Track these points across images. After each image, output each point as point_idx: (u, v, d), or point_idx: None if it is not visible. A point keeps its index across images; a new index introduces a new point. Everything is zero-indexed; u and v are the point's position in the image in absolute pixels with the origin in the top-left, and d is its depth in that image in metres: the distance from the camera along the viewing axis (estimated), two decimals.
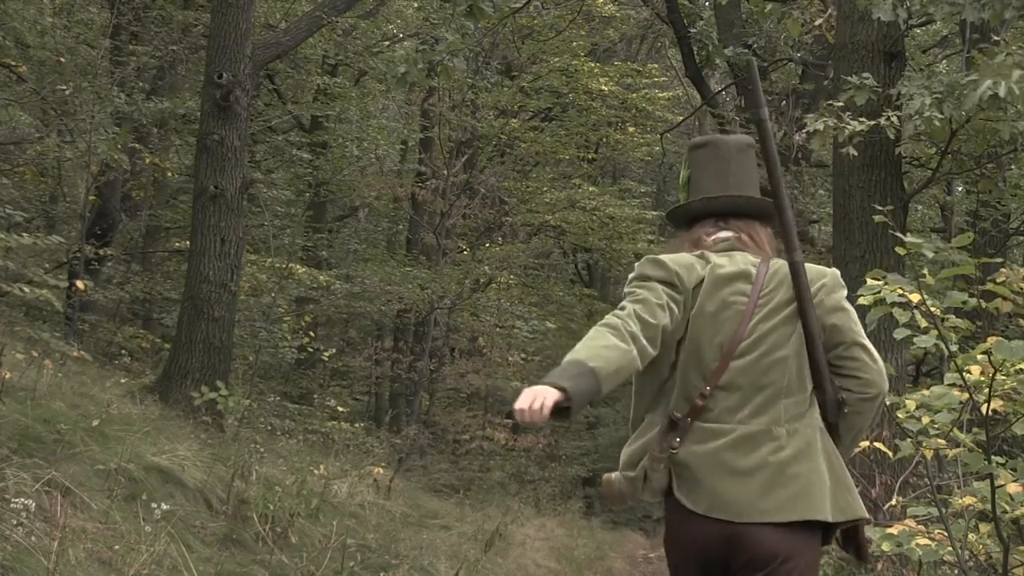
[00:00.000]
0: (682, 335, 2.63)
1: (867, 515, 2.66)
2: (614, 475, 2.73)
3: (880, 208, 3.12)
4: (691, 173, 2.81)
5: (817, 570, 2.61)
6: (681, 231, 2.83)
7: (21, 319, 10.05)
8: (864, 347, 2.62)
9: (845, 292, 2.68)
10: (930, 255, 2.78)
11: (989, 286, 2.97)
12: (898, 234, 2.91)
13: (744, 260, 2.68)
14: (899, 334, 3.10)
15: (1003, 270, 3.03)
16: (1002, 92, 5.53)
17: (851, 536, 2.64)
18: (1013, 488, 3.13)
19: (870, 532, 3.40)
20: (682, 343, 2.63)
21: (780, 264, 2.68)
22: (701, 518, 2.54)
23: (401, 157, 19.17)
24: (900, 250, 2.84)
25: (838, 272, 2.72)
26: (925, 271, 2.79)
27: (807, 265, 2.68)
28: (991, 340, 2.78)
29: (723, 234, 2.74)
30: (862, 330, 2.64)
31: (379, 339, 18.18)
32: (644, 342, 2.50)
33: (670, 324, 2.57)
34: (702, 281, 2.63)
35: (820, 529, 2.56)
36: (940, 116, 6.25)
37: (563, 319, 20.30)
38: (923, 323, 2.97)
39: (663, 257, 2.66)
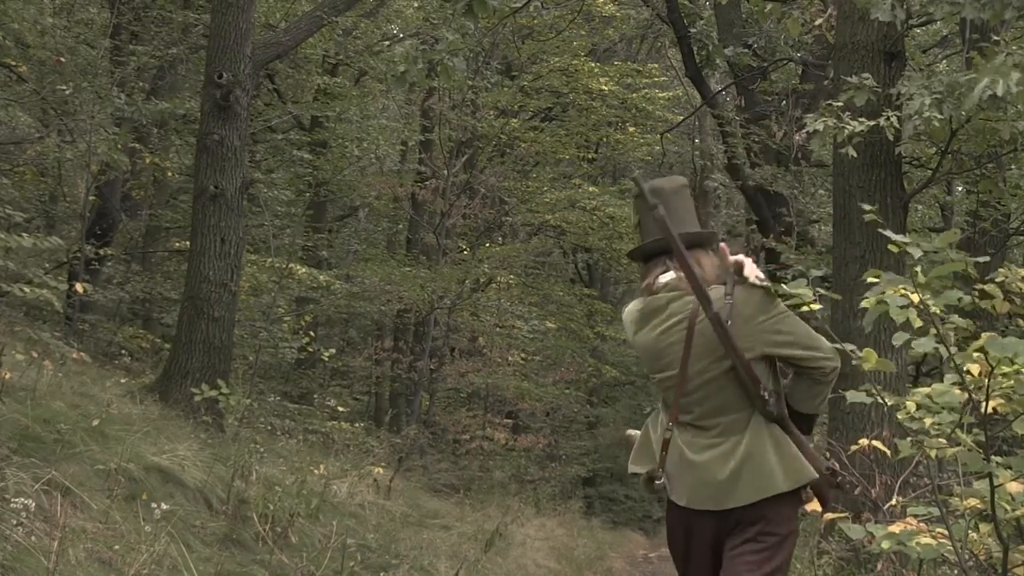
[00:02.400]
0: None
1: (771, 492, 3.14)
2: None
3: (868, 208, 3.12)
4: (639, 218, 3.38)
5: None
6: (641, 268, 3.39)
7: (21, 319, 10.05)
8: (800, 347, 3.10)
9: (768, 314, 3.11)
10: (917, 254, 2.78)
11: (986, 286, 2.96)
12: (887, 232, 2.91)
13: (680, 307, 3.21)
14: (898, 339, 3.11)
15: (1001, 270, 3.02)
16: (1000, 91, 5.52)
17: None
18: (1013, 488, 3.13)
19: (872, 529, 3.43)
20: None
21: (716, 296, 3.12)
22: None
23: (401, 157, 19.18)
24: (893, 248, 2.84)
25: (759, 295, 3.12)
26: (918, 269, 2.79)
27: (741, 295, 3.13)
28: (984, 336, 2.77)
29: (664, 278, 3.27)
30: (793, 330, 3.09)
31: (379, 339, 18.17)
32: None
33: None
34: (647, 328, 3.27)
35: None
36: (940, 116, 6.24)
37: (563, 319, 20.31)
38: (917, 323, 2.97)
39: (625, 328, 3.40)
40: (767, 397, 3.12)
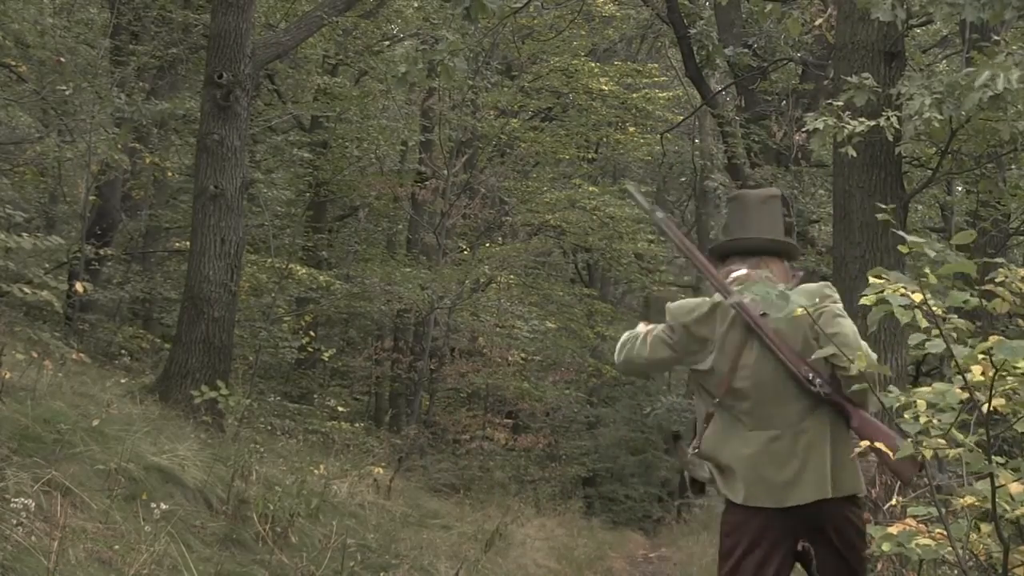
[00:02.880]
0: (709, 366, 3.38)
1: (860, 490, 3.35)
2: None
3: (883, 207, 3.13)
4: (726, 219, 3.65)
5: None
6: (719, 264, 3.56)
7: (21, 319, 10.04)
8: (838, 342, 3.14)
9: (827, 303, 3.24)
10: (932, 255, 2.78)
11: (989, 286, 2.96)
12: (901, 233, 2.91)
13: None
14: (914, 339, 3.11)
15: (1001, 270, 3.02)
16: (1000, 86, 5.51)
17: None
18: (1014, 488, 3.12)
19: (871, 530, 3.42)
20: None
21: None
22: None
23: (401, 157, 19.18)
24: (903, 248, 2.84)
25: (816, 289, 3.30)
26: (927, 270, 2.79)
27: (802, 287, 3.31)
28: (992, 339, 2.77)
29: (737, 273, 3.42)
30: (837, 329, 3.16)
31: (379, 339, 18.17)
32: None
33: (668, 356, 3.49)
34: (713, 321, 3.35)
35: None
36: (939, 117, 6.23)
37: (563, 319, 20.30)
38: (923, 323, 2.97)
39: (672, 307, 3.47)
40: (811, 378, 3.19)
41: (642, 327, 3.63)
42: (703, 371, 3.42)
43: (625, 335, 3.65)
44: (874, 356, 3.17)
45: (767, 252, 3.46)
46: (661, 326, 3.57)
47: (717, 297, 3.37)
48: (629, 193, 3.60)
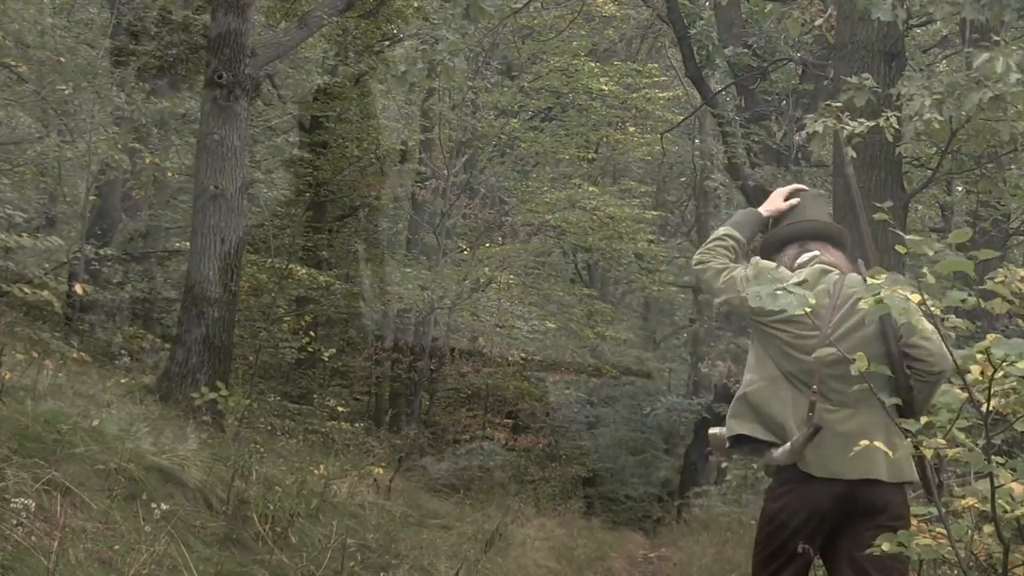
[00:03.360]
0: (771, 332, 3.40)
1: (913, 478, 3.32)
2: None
3: (879, 205, 3.14)
4: (781, 214, 3.70)
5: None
6: (773, 256, 3.61)
7: (21, 319, 10.05)
8: (924, 336, 3.19)
9: None
10: (931, 254, 2.78)
11: (989, 285, 2.97)
12: (899, 232, 2.92)
13: (824, 276, 3.41)
14: None
15: (1000, 270, 3.02)
16: (999, 69, 5.49)
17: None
18: (1016, 488, 3.13)
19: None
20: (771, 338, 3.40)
21: (853, 277, 3.34)
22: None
23: (401, 157, 19.19)
24: (901, 248, 2.84)
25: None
26: (925, 270, 2.79)
27: None
28: (990, 338, 2.78)
29: (806, 256, 3.51)
30: (920, 320, 3.08)
31: (379, 339, 18.17)
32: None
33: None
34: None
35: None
36: (940, 118, 6.23)
37: (563, 319, 20.29)
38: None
39: (764, 268, 3.45)
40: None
41: (723, 235, 3.68)
42: (771, 333, 3.41)
43: (713, 239, 3.69)
44: (950, 357, 3.15)
45: (828, 237, 3.56)
46: (742, 271, 3.53)
47: (804, 274, 3.29)
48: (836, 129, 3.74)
